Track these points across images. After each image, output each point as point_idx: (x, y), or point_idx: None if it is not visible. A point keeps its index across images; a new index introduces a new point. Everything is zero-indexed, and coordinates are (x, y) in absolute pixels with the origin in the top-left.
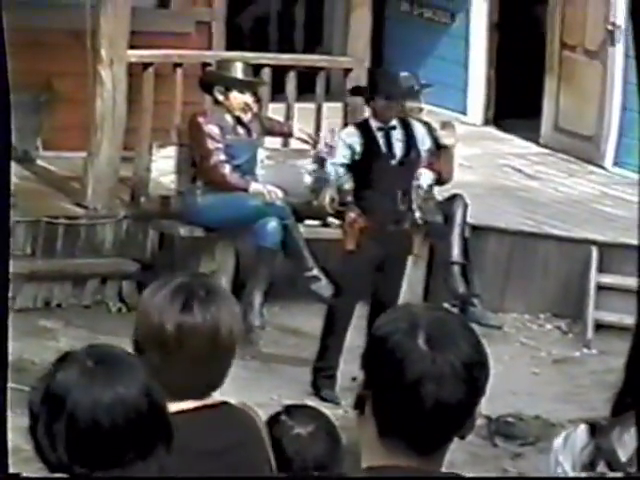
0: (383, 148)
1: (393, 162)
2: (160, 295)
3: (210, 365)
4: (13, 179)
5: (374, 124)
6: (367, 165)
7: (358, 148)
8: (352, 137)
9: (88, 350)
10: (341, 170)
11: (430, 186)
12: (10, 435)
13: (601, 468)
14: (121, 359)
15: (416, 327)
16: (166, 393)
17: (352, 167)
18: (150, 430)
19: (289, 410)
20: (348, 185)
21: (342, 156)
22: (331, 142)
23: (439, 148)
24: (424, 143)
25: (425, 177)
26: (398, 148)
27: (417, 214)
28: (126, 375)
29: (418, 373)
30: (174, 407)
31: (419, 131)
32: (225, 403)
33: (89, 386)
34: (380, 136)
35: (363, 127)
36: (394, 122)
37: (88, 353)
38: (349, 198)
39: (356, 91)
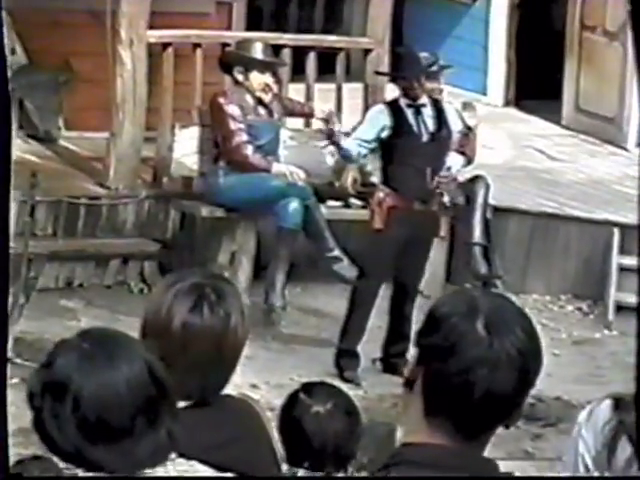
0: (413, 125)
1: (423, 139)
2: (172, 291)
3: (211, 370)
4: (35, 159)
5: (403, 102)
6: (397, 143)
7: (387, 125)
8: (380, 114)
9: (82, 335)
10: (363, 148)
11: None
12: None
13: (623, 443)
14: (117, 338)
15: (475, 311)
16: None
17: (381, 145)
18: (155, 401)
19: (307, 388)
20: (371, 166)
21: (365, 132)
22: (332, 123)
23: (467, 132)
24: (456, 124)
25: (455, 161)
26: (429, 125)
27: (445, 196)
28: (126, 353)
29: (473, 357)
30: None
31: (451, 112)
32: (225, 396)
33: (91, 368)
34: (410, 113)
35: (393, 105)
36: (424, 100)
37: (83, 337)
38: (374, 178)
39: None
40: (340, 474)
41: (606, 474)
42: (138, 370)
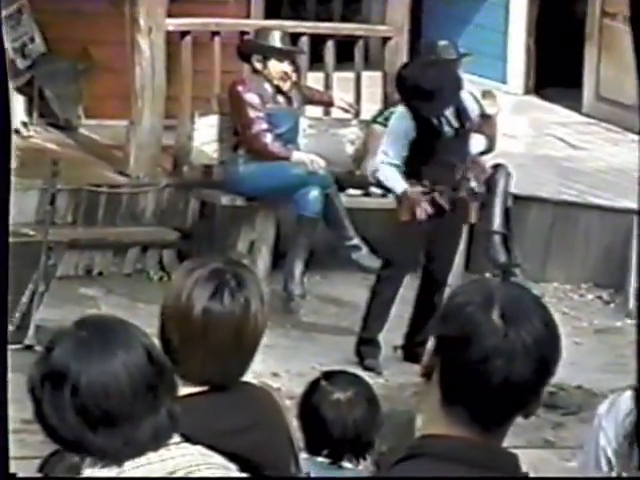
0: (435, 123)
1: (449, 133)
2: (192, 277)
3: (231, 356)
4: (55, 147)
5: None
6: (423, 139)
7: (412, 128)
8: (403, 120)
9: (79, 323)
10: (401, 168)
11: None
12: None
13: None
14: (114, 324)
15: (491, 301)
16: (182, 379)
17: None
18: (154, 385)
19: (328, 376)
20: None
21: (398, 148)
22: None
23: (483, 116)
24: (473, 109)
25: (477, 143)
26: (451, 120)
27: (473, 183)
28: (123, 338)
29: (489, 347)
30: (193, 389)
31: (467, 98)
32: (244, 383)
33: (88, 355)
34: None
35: None
36: None
37: (79, 326)
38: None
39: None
40: (359, 463)
41: (627, 467)
42: (136, 355)
